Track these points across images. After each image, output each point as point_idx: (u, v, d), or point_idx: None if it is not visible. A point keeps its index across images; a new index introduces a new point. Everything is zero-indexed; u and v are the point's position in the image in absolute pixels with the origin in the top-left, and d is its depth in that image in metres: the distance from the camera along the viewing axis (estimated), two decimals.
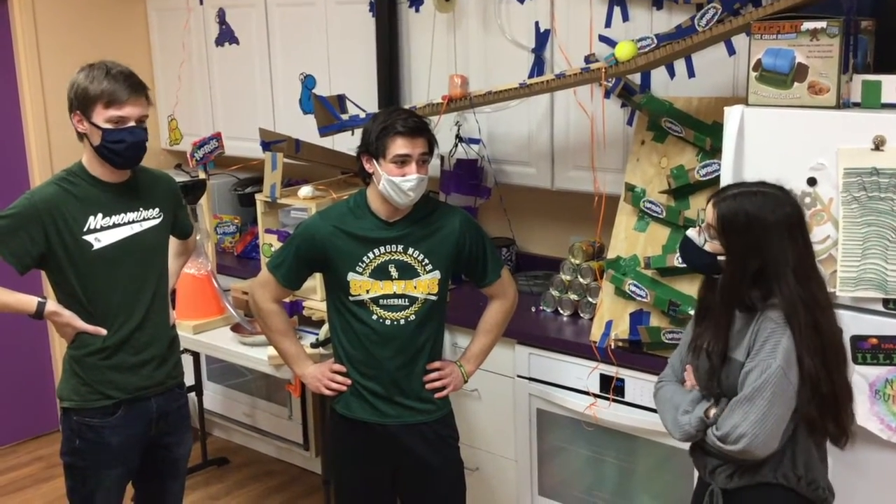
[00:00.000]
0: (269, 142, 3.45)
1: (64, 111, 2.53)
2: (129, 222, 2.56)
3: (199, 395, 4.31)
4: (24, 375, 4.53)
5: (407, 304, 2.57)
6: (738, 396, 1.99)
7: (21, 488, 4.18)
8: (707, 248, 2.07)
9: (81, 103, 2.44)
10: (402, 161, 2.48)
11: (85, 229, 2.48)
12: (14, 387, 4.51)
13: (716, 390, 2.09)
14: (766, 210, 1.98)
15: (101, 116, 2.43)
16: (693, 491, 2.28)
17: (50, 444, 4.47)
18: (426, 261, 2.57)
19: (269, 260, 2.74)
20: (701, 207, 2.83)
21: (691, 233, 2.13)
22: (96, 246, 2.50)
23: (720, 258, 2.06)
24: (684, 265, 2.79)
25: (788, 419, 1.98)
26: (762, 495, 2.04)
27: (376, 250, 2.56)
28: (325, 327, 2.98)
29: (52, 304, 2.52)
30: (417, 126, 2.50)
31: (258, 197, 3.51)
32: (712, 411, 2.05)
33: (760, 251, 1.98)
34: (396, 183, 2.47)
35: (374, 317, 2.57)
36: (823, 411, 1.97)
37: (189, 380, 4.10)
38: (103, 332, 2.54)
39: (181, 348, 3.24)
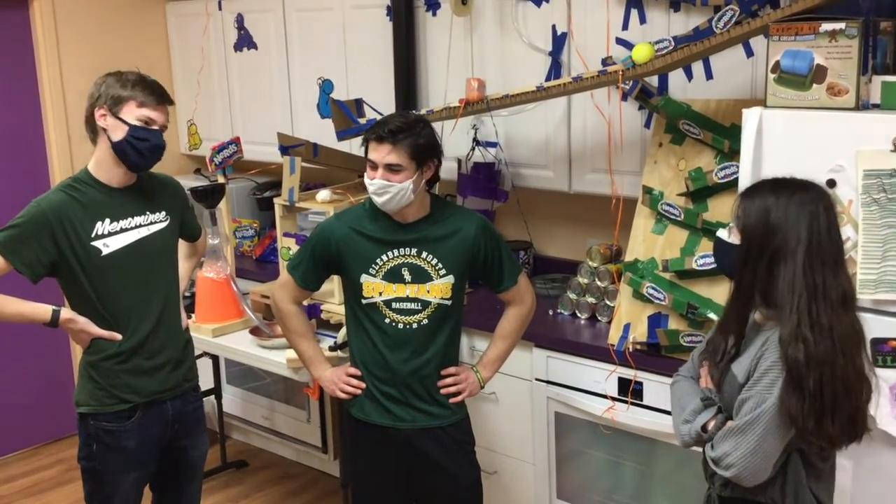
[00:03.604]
0: (288, 146, 3.46)
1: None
2: (137, 226, 2.58)
3: (219, 398, 4.33)
4: (45, 378, 4.58)
5: (420, 308, 2.57)
6: (731, 425, 1.97)
7: (42, 490, 4.22)
8: (732, 239, 2.03)
9: (111, 98, 2.49)
10: (372, 166, 2.51)
11: (93, 235, 2.50)
12: (36, 390, 4.55)
13: (721, 397, 2.07)
14: (789, 196, 1.95)
15: (132, 114, 2.48)
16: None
17: (71, 446, 4.47)
18: (440, 265, 2.58)
19: (289, 261, 2.76)
20: (722, 211, 2.83)
21: (721, 231, 2.10)
22: (105, 252, 2.52)
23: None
24: (702, 268, 2.79)
25: (781, 450, 1.96)
26: None
27: (390, 253, 2.57)
28: (344, 330, 2.99)
29: (66, 312, 2.54)
30: (386, 133, 2.46)
31: (276, 201, 3.53)
32: (711, 424, 2.04)
33: (776, 231, 1.93)
34: (367, 184, 2.51)
35: (387, 320, 2.58)
36: (806, 409, 1.87)
37: (208, 383, 4.16)
38: (118, 337, 2.56)
39: (200, 352, 3.26)
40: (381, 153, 2.48)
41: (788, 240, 1.92)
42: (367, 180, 2.52)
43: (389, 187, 2.48)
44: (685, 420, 2.10)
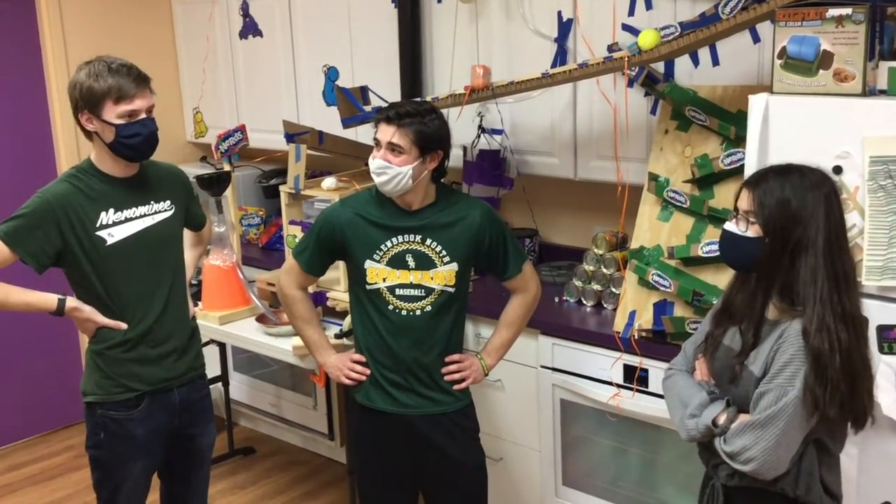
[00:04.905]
0: (293, 134, 3.46)
1: None
2: (141, 216, 2.58)
3: (226, 385, 4.35)
4: (54, 365, 4.60)
5: (423, 294, 2.58)
6: (750, 419, 1.95)
7: (52, 477, 4.25)
8: (750, 233, 1.98)
9: (89, 102, 2.44)
10: (377, 145, 2.53)
11: (98, 225, 2.50)
12: (45, 376, 4.58)
13: (729, 391, 2.06)
14: (801, 182, 1.94)
15: (113, 112, 2.44)
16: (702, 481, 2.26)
17: (80, 433, 4.44)
18: (444, 252, 2.58)
19: (294, 246, 2.77)
20: (728, 198, 2.82)
21: (729, 226, 2.04)
22: (110, 241, 2.52)
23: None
24: (708, 255, 2.79)
25: (801, 442, 1.95)
26: (760, 501, 2.02)
27: (394, 239, 2.57)
28: (349, 318, 3.00)
29: (72, 301, 2.55)
30: (394, 115, 2.50)
31: (282, 188, 3.53)
32: (722, 418, 2.01)
33: (799, 221, 1.91)
34: (370, 164, 2.54)
35: (390, 307, 2.58)
36: (829, 396, 1.87)
37: (215, 370, 4.17)
38: (123, 325, 2.57)
39: (207, 339, 3.26)
40: (387, 133, 2.50)
41: (809, 228, 1.91)
42: (370, 160, 2.54)
43: (388, 168, 2.49)
44: (691, 414, 2.06)
